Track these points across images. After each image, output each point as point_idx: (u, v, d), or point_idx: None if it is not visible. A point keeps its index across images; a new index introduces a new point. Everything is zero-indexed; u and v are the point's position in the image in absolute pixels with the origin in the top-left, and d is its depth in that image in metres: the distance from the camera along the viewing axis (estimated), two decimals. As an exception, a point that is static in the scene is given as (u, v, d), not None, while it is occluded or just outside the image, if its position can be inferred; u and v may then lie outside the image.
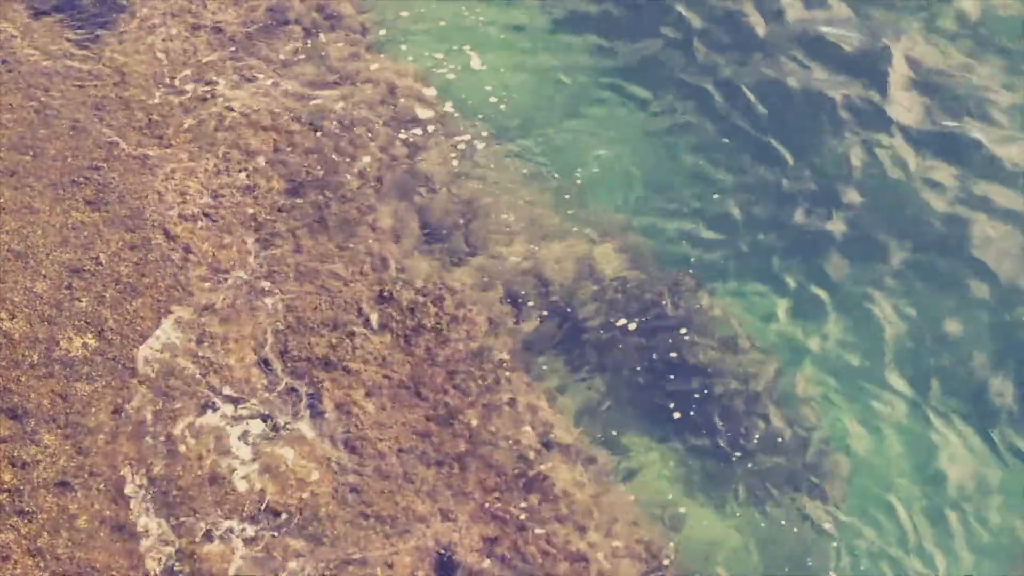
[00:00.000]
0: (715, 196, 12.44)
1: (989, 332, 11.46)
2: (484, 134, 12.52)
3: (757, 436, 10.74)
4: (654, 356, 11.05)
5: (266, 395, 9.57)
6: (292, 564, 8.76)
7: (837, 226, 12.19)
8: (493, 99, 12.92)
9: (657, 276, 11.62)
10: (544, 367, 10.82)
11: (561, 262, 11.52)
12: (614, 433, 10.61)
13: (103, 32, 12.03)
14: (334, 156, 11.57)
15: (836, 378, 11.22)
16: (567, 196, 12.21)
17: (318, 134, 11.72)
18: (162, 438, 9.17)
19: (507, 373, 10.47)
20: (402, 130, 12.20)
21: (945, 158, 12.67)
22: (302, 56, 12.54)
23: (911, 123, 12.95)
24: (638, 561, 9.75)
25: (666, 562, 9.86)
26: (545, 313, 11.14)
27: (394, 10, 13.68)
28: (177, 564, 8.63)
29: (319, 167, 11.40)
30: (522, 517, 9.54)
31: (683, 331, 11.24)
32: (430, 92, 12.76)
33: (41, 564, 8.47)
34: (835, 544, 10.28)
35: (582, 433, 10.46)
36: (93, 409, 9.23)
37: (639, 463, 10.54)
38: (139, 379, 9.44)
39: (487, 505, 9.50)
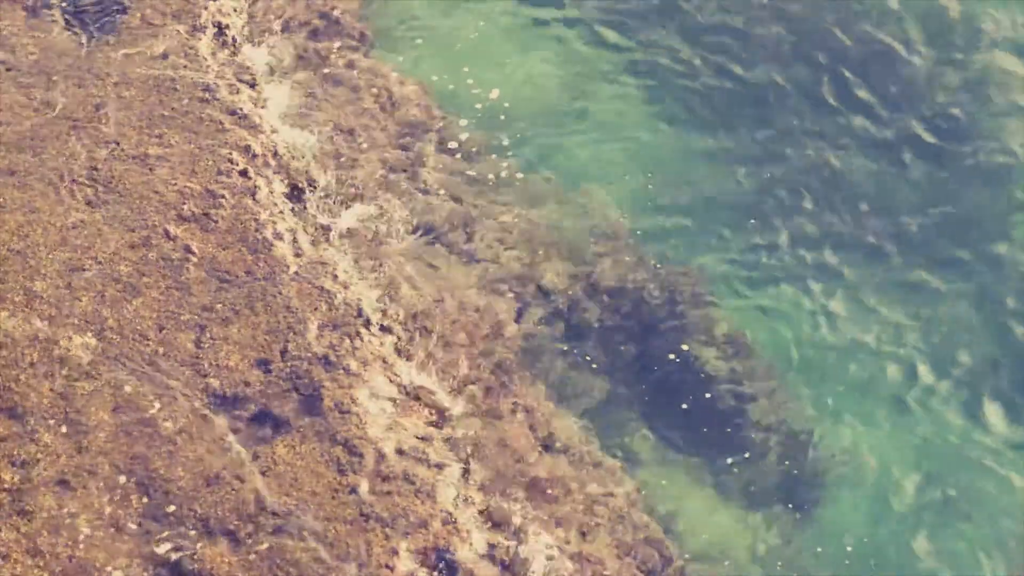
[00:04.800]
0: (716, 199, 12.48)
1: (993, 331, 11.50)
2: (484, 139, 12.56)
3: (758, 437, 10.77)
4: (655, 358, 11.09)
5: (266, 394, 9.56)
6: (290, 567, 8.74)
7: (839, 228, 12.24)
8: (493, 105, 12.95)
9: (657, 279, 11.65)
10: (546, 369, 10.85)
11: (564, 268, 11.55)
12: (616, 434, 10.63)
13: (104, 32, 12.02)
14: (334, 160, 11.58)
15: (837, 379, 11.25)
16: (568, 200, 12.24)
17: (317, 140, 11.74)
18: (161, 437, 9.15)
19: (509, 375, 10.48)
20: (401, 136, 12.22)
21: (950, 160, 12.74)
22: (302, 61, 12.56)
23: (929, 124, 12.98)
24: (641, 562, 9.76)
25: (669, 563, 9.87)
26: (547, 316, 11.17)
27: (394, 18, 13.71)
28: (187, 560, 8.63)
29: (319, 171, 11.42)
30: (523, 518, 9.53)
31: (684, 333, 11.27)
32: (429, 99, 12.79)
33: (41, 564, 8.43)
34: (836, 545, 10.30)
35: (584, 434, 10.48)
36: (93, 409, 9.20)
37: (641, 464, 10.57)
38: (138, 379, 9.42)
39: (488, 506, 9.50)
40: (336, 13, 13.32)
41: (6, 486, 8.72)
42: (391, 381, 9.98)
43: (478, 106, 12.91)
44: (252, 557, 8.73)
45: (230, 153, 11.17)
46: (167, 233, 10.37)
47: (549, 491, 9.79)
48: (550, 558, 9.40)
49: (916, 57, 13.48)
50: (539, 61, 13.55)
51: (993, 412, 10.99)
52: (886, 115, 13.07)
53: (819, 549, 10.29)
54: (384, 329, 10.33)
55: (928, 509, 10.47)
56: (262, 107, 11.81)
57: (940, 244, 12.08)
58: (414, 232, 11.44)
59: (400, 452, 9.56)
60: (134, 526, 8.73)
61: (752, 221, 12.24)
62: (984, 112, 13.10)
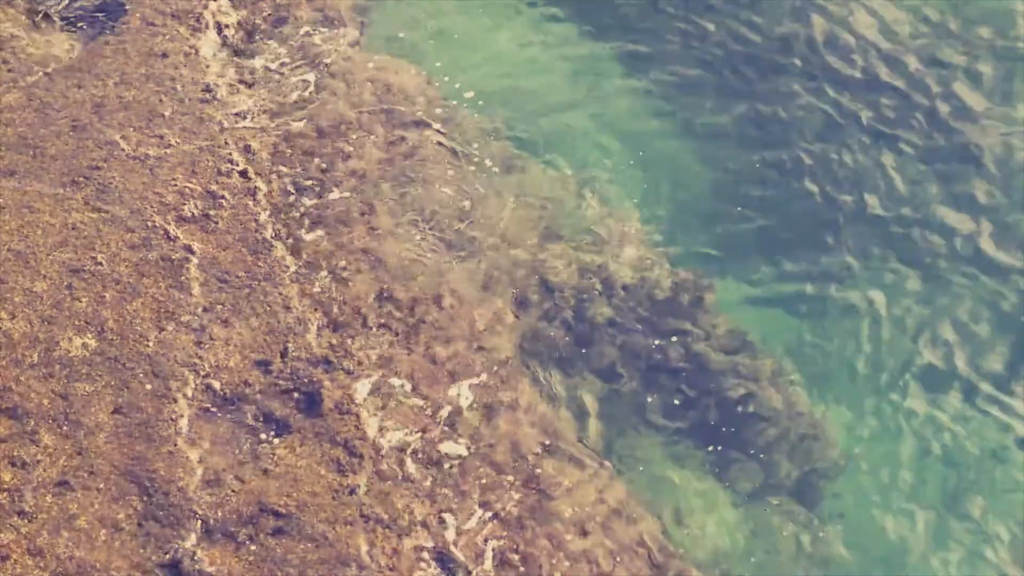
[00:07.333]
0: (718, 192, 12.47)
1: (1000, 328, 11.48)
2: (485, 132, 12.55)
3: (761, 436, 10.76)
4: (657, 356, 11.09)
5: (266, 396, 9.57)
6: (290, 568, 8.76)
7: (845, 220, 12.23)
8: (494, 98, 12.95)
9: (660, 273, 11.65)
10: (547, 367, 10.85)
11: (566, 262, 11.55)
12: (617, 433, 10.63)
13: (104, 32, 12.03)
14: (332, 156, 11.59)
15: (840, 378, 11.25)
16: (571, 195, 12.25)
17: (316, 135, 11.73)
18: (161, 437, 9.17)
19: (509, 373, 10.48)
20: (400, 130, 12.22)
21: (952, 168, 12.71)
22: (300, 57, 12.56)
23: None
24: (641, 562, 9.77)
25: (669, 563, 9.87)
26: (548, 313, 11.16)
27: (392, 10, 13.72)
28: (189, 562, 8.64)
29: (318, 168, 11.42)
30: (523, 517, 9.55)
31: (688, 331, 11.26)
32: (429, 92, 12.79)
33: (41, 564, 8.45)
34: (842, 543, 10.30)
35: (585, 433, 10.48)
36: (93, 409, 9.22)
37: (642, 463, 10.56)
38: (138, 380, 9.43)
39: (487, 505, 9.51)
40: (333, 9, 13.31)
41: (6, 486, 8.74)
42: (390, 380, 9.99)
43: (478, 100, 12.91)
44: (252, 559, 8.75)
45: (230, 153, 11.18)
46: (167, 233, 10.39)
47: (548, 489, 9.80)
48: (552, 557, 9.41)
49: (923, 43, 13.46)
50: (537, 49, 13.54)
51: (1005, 405, 10.97)
52: (891, 103, 13.05)
53: (824, 548, 10.30)
54: (383, 327, 10.34)
55: (939, 505, 10.45)
56: (260, 105, 11.81)
57: (948, 235, 12.07)
58: (412, 225, 11.44)
59: (400, 452, 9.58)
60: (134, 527, 8.75)
61: (766, 220, 12.24)
62: (995, 96, 13.07)
